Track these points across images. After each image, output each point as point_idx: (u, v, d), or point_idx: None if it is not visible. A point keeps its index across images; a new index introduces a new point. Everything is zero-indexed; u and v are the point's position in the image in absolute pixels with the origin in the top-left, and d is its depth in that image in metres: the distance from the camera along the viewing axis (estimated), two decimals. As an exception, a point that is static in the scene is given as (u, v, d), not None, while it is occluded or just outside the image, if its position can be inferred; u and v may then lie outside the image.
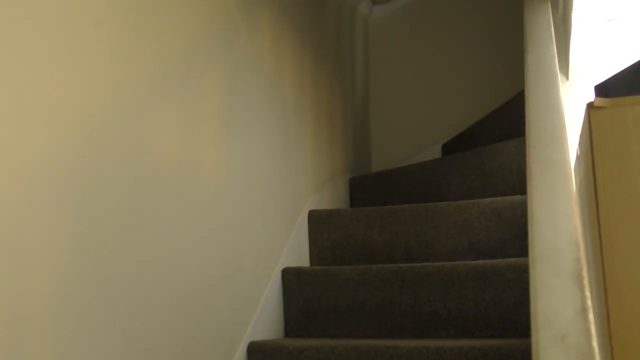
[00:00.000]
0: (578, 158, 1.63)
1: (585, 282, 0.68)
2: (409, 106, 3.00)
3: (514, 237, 1.80)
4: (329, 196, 2.26)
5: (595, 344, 0.58)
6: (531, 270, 0.72)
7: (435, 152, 2.90)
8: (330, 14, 2.50)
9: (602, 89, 1.45)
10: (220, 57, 1.53)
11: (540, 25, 1.29)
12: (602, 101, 1.32)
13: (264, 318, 1.67)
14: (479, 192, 2.10)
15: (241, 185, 1.60)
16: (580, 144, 1.56)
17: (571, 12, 1.50)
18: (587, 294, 0.66)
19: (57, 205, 0.97)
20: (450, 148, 2.81)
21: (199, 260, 1.38)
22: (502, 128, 2.36)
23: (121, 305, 1.11)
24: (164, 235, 1.25)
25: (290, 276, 1.80)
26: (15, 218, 0.89)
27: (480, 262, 1.61)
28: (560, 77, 1.19)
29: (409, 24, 3.08)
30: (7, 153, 0.88)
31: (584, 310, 0.63)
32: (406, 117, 2.99)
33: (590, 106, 1.36)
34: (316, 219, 2.02)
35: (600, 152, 1.33)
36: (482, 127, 2.57)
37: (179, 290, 1.29)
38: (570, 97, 1.87)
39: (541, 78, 1.11)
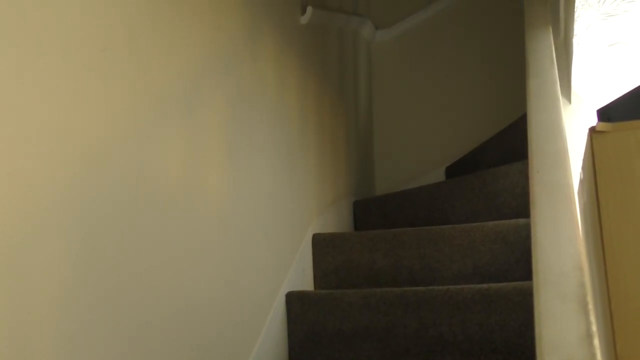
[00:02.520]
0: (581, 181, 1.64)
1: (590, 307, 0.68)
2: (412, 129, 3.02)
3: (519, 260, 1.80)
4: (332, 219, 2.26)
5: (600, 369, 0.58)
6: (535, 295, 0.72)
7: (438, 175, 2.91)
8: (333, 39, 2.53)
9: (605, 113, 1.46)
10: (224, 82, 1.55)
11: (541, 51, 1.31)
12: (604, 126, 1.33)
13: (267, 342, 1.66)
14: (482, 215, 2.10)
15: (245, 209, 1.61)
16: (583, 167, 1.56)
17: (572, 37, 1.52)
18: (592, 319, 0.66)
19: (62, 227, 0.97)
20: (453, 171, 2.81)
21: (202, 283, 1.38)
22: (505, 151, 2.37)
23: (123, 328, 1.11)
24: (167, 258, 1.25)
25: (294, 300, 1.80)
26: (23, 239, 0.89)
27: (485, 285, 1.60)
28: (562, 100, 1.20)
29: (412, 48, 3.11)
30: (14, 175, 0.89)
31: (589, 336, 0.63)
32: (409, 140, 3.01)
33: (592, 130, 1.37)
34: (320, 243, 2.02)
35: (603, 176, 1.33)
36: (486, 150, 2.57)
37: (181, 314, 1.29)
38: (573, 121, 1.87)
39: (543, 102, 1.12)
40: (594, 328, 0.65)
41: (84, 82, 1.05)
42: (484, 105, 2.89)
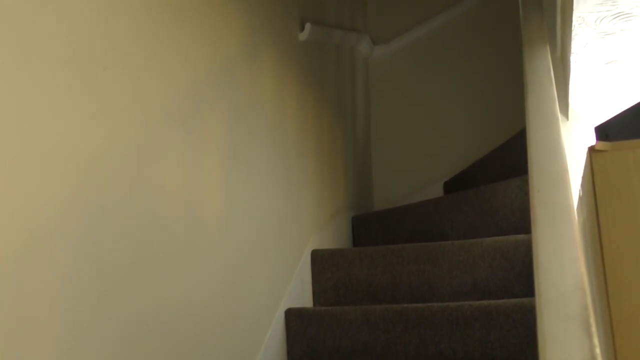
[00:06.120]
0: (580, 199, 1.64)
1: (593, 329, 0.68)
2: (410, 144, 3.03)
3: (518, 276, 1.80)
4: (331, 235, 2.26)
5: (605, 394, 0.58)
6: (538, 317, 0.72)
7: (437, 190, 2.91)
8: (331, 55, 2.54)
9: (603, 130, 1.47)
10: (223, 99, 1.56)
11: (539, 69, 1.32)
12: (603, 145, 1.34)
13: (267, 359, 1.66)
14: (481, 230, 2.10)
15: (243, 226, 1.61)
16: (582, 185, 1.57)
17: (569, 55, 1.53)
18: (595, 341, 0.66)
19: (61, 243, 0.97)
20: (452, 186, 2.82)
21: (201, 299, 1.38)
22: (503, 166, 2.38)
23: (122, 338, 1.10)
24: (166, 274, 1.25)
25: (293, 317, 1.79)
26: (20, 258, 0.89)
27: (485, 302, 1.60)
28: (560, 117, 1.21)
29: (410, 63, 3.13)
30: (13, 193, 0.89)
31: (593, 359, 0.63)
32: (408, 155, 3.02)
33: (592, 150, 1.38)
34: (319, 259, 2.02)
35: (603, 195, 1.34)
36: (484, 165, 2.58)
37: (180, 329, 1.29)
38: (570, 137, 1.89)
39: (542, 121, 1.13)
40: (598, 350, 0.65)
41: (84, 99, 1.05)
42: (482, 121, 2.91)
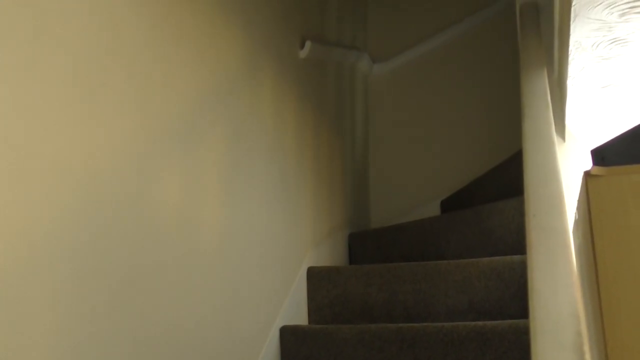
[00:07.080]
0: (576, 222, 1.65)
1: (587, 356, 0.68)
2: (408, 162, 3.03)
3: (513, 297, 1.79)
4: (328, 252, 2.26)
5: (598, 423, 0.58)
6: (532, 344, 0.72)
7: (433, 208, 2.91)
8: (331, 72, 2.55)
9: (599, 154, 1.48)
10: (223, 116, 1.56)
11: (536, 92, 1.33)
12: (599, 170, 1.35)
13: (261, 377, 1.65)
14: (478, 250, 2.10)
15: (241, 241, 1.61)
16: (578, 208, 1.58)
17: (566, 78, 1.55)
18: (589, 369, 0.66)
19: (60, 254, 0.97)
20: (448, 205, 2.82)
21: (196, 314, 1.38)
22: (500, 186, 2.38)
23: (120, 351, 1.10)
24: (162, 287, 1.25)
25: (288, 335, 1.79)
26: (20, 268, 0.89)
27: (480, 323, 1.60)
28: (556, 139, 1.21)
29: (409, 81, 3.15)
30: (14, 205, 0.89)
31: (587, 387, 0.63)
32: (405, 173, 3.02)
33: (587, 174, 1.39)
34: (315, 276, 2.02)
35: (598, 220, 1.35)
36: (481, 185, 2.59)
37: (174, 343, 1.28)
38: (567, 159, 1.90)
39: (538, 145, 1.13)
40: (591, 379, 0.65)
41: (86, 114, 1.06)
42: (479, 140, 2.92)
